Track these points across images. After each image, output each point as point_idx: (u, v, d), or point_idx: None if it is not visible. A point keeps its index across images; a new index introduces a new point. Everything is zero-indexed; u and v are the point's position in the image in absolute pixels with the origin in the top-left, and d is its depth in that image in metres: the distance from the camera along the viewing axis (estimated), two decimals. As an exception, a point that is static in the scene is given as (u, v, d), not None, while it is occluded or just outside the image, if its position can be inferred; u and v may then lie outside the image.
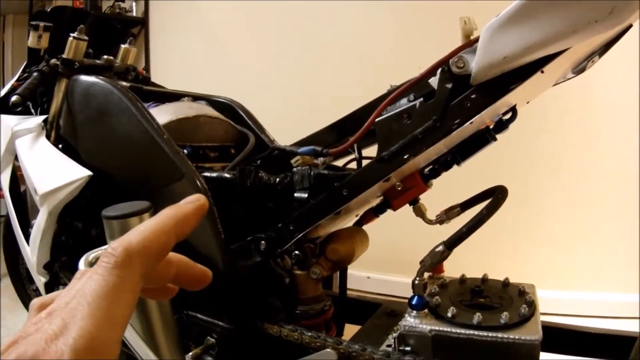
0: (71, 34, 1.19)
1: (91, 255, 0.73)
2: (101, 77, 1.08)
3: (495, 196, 0.86)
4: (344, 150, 0.87)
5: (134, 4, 3.24)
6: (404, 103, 0.83)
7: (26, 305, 1.78)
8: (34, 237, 1.12)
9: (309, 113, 2.05)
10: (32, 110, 1.27)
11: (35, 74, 1.18)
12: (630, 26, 0.74)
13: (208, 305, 0.95)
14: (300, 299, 0.97)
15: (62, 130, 1.13)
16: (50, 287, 1.19)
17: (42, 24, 1.21)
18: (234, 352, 0.93)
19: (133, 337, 0.75)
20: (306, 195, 0.90)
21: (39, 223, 1.07)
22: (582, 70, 0.84)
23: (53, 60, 1.19)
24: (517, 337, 0.78)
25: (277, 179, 0.94)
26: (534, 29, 0.65)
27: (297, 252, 0.95)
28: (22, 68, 1.41)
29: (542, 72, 0.71)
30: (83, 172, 1.02)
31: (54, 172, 1.05)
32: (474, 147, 0.89)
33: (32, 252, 1.13)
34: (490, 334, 0.79)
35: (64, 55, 1.18)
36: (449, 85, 0.77)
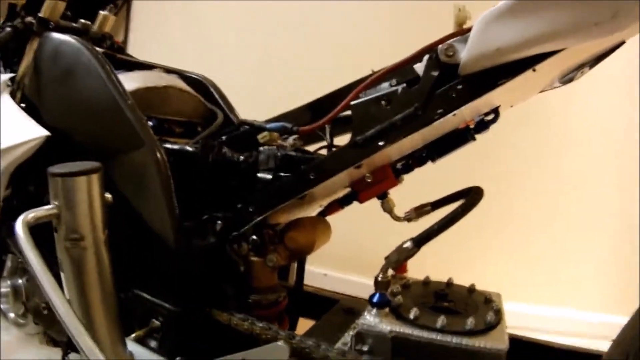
0: None
1: (30, 215, 0.66)
2: (73, 37, 0.99)
3: (471, 195, 0.79)
4: (314, 130, 0.79)
5: None
6: (384, 87, 0.75)
7: None
8: (-18, 199, 1.02)
9: (289, 97, 1.98)
10: (1, 69, 1.17)
11: (8, 29, 1.08)
12: (623, 42, 0.70)
13: (156, 285, 0.85)
14: (254, 287, 0.88)
15: (27, 89, 1.03)
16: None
17: None
18: (179, 337, 0.84)
19: (67, 315, 0.66)
20: (270, 176, 0.82)
21: None
22: (570, 80, 0.79)
23: (28, 18, 1.09)
24: (482, 344, 0.72)
25: (242, 157, 0.86)
26: (533, 24, 0.61)
27: (254, 237, 0.86)
28: None
29: (534, 70, 0.66)
30: (41, 132, 0.92)
31: (10, 130, 0.95)
32: (452, 145, 0.83)
33: (-19, 215, 1.03)
34: (454, 339, 0.73)
35: (40, 14, 1.08)
36: (435, 73, 0.70)
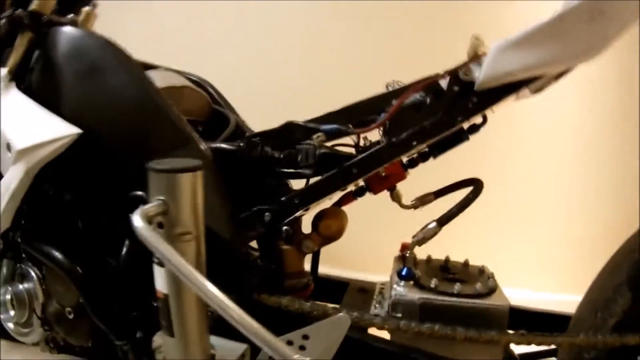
0: None
1: (147, 209, 0.72)
2: (95, 32, 1.03)
3: (477, 186, 1.02)
4: (369, 130, 0.96)
5: None
6: (414, 98, 0.96)
7: None
8: (-5, 199, 1.00)
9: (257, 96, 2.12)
10: None
11: (1, 20, 1.07)
12: None
13: (210, 275, 0.95)
14: (286, 272, 1.04)
15: (37, 86, 1.04)
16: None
17: None
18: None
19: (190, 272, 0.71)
20: (311, 171, 0.98)
21: (9, 182, 0.96)
22: (540, 90, 1.04)
23: (19, 11, 1.09)
24: (492, 303, 0.96)
25: (282, 154, 1.00)
26: (534, 53, 0.85)
27: (286, 227, 1.01)
28: None
29: (527, 88, 0.91)
30: (72, 129, 0.95)
31: (35, 127, 0.96)
32: (450, 144, 1.04)
33: (-9, 214, 1.01)
34: (469, 301, 0.95)
35: (31, 7, 1.09)
36: (456, 88, 0.93)
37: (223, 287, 0.92)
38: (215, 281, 0.93)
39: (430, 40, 2.13)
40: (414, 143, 0.93)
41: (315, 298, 1.15)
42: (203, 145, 0.97)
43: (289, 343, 0.88)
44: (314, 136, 0.96)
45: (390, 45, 2.22)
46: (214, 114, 1.23)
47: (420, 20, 2.22)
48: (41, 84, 1.05)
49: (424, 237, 0.99)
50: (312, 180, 1.00)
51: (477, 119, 1.02)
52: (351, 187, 1.09)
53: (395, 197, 1.08)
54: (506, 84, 0.89)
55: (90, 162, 1.00)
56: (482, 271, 1.07)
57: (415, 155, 1.07)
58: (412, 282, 0.98)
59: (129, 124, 1.00)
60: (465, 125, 1.03)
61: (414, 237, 1.00)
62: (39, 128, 0.96)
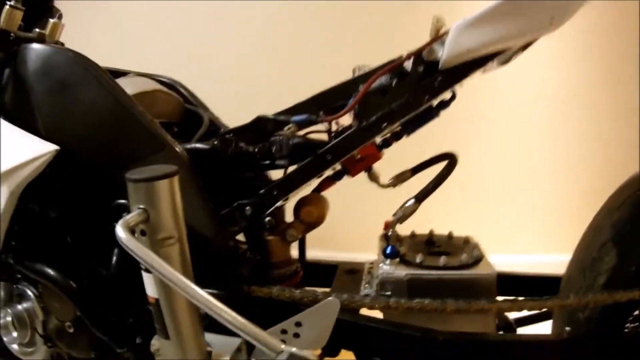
0: (8, 2, 1.13)
1: (128, 219, 0.77)
2: (61, 47, 1.07)
3: (451, 160, 1.09)
4: (339, 118, 1.02)
5: None
6: (380, 82, 1.02)
7: None
8: (-18, 224, 1.05)
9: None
10: None
11: None
12: None
13: (197, 273, 1.01)
14: (273, 262, 1.11)
15: (9, 106, 1.08)
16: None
17: None
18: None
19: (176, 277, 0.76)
20: (286, 162, 1.05)
21: None
22: (507, 62, 1.09)
23: None
24: (478, 272, 1.03)
25: (257, 148, 1.06)
26: (492, 30, 0.92)
27: (269, 218, 1.08)
28: None
29: (492, 61, 0.98)
30: (49, 147, 1.00)
31: (12, 148, 1.01)
32: (421, 122, 1.12)
33: (-19, 241, 1.06)
34: (456, 273, 1.02)
35: None
36: (421, 69, 1.00)
37: (213, 284, 1.00)
38: (205, 279, 0.99)
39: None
40: (384, 125, 1.00)
41: (305, 284, 1.23)
42: (179, 148, 1.03)
43: (283, 332, 0.95)
44: (286, 128, 1.01)
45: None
46: (188, 113, 1.29)
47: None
48: (13, 103, 1.10)
49: (403, 215, 1.06)
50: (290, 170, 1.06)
51: (446, 95, 1.09)
52: (329, 172, 1.15)
53: (373, 178, 1.16)
54: (470, 60, 0.96)
55: (70, 176, 1.05)
56: (467, 242, 1.14)
57: (388, 135, 1.13)
58: (397, 260, 1.04)
59: (104, 135, 1.06)
60: (435, 102, 1.09)
61: (394, 215, 1.06)
62: (16, 149, 1.01)
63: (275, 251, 1.11)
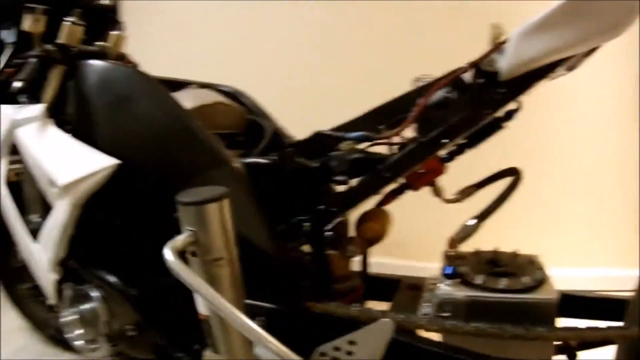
0: (66, 19, 1.20)
1: (177, 243, 0.80)
2: (118, 63, 1.12)
3: (515, 177, 1.05)
4: (395, 135, 1.01)
5: None
6: (439, 95, 1.00)
7: (17, 305, 1.76)
8: (48, 232, 1.13)
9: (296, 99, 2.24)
10: (24, 98, 1.26)
11: (33, 60, 1.18)
12: None
13: (255, 288, 1.03)
14: (334, 277, 1.12)
15: (72, 119, 1.15)
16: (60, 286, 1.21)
17: (40, 6, 1.21)
18: (282, 333, 1.02)
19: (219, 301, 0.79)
20: (346, 177, 1.05)
21: (58, 217, 1.09)
22: (573, 68, 1.04)
23: (48, 46, 1.19)
24: (539, 297, 0.99)
25: (316, 163, 1.08)
26: (555, 37, 0.87)
27: (330, 232, 1.09)
28: (9, 53, 1.37)
29: (554, 72, 0.94)
30: (109, 161, 1.06)
31: (75, 162, 1.07)
32: (485, 134, 1.09)
33: (46, 247, 1.14)
34: (516, 296, 0.99)
35: (59, 41, 1.19)
36: (481, 81, 0.97)
37: (272, 298, 1.02)
38: (264, 293, 1.01)
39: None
40: (443, 141, 0.99)
41: (367, 298, 1.25)
42: (236, 164, 1.05)
43: (336, 349, 0.96)
44: (342, 144, 1.02)
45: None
46: (251, 123, 1.31)
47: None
48: (76, 117, 1.17)
49: (464, 235, 1.03)
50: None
51: (511, 105, 1.04)
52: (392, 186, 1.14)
53: (437, 192, 1.14)
54: (531, 70, 0.92)
55: (133, 187, 1.10)
56: (531, 262, 1.10)
57: (453, 148, 1.10)
58: (458, 280, 1.02)
59: (162, 150, 1.11)
60: (500, 114, 1.06)
61: (455, 234, 1.03)
62: (78, 163, 1.08)
63: (336, 266, 1.12)
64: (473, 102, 0.96)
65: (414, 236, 1.90)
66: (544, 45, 0.88)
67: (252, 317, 1.02)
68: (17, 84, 1.13)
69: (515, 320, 0.94)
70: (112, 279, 1.12)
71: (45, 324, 1.70)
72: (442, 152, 1.12)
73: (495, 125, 1.07)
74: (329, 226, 1.07)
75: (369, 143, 1.10)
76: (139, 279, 1.13)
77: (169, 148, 1.10)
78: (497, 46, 0.94)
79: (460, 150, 1.12)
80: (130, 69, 1.10)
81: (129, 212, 1.12)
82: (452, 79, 0.99)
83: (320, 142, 1.07)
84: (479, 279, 1.02)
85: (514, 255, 1.13)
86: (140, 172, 1.10)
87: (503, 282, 1.00)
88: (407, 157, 1.01)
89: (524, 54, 0.90)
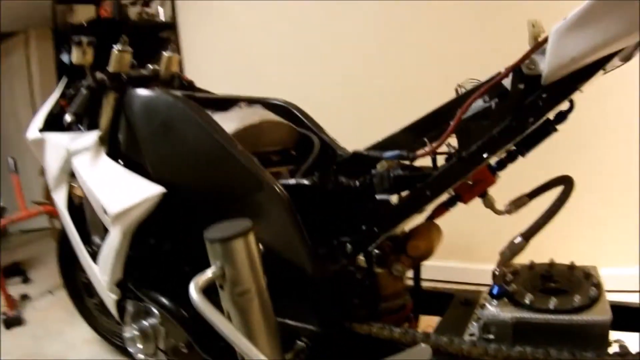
0: (114, 46, 1.25)
1: (200, 280, 0.83)
2: (158, 89, 1.16)
3: (565, 188, 0.98)
4: (429, 154, 0.97)
5: (159, 8, 3.37)
6: (479, 104, 0.95)
7: (87, 318, 1.93)
8: (105, 256, 1.22)
9: (347, 110, 2.27)
10: (80, 126, 1.34)
11: (84, 90, 1.25)
12: None
13: (296, 310, 1.05)
14: (382, 295, 1.11)
15: (123, 147, 1.21)
16: (120, 303, 1.29)
17: (85, 39, 1.28)
18: (324, 354, 1.03)
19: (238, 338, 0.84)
20: (388, 196, 1.03)
21: (112, 243, 1.17)
22: (629, 58, 0.93)
23: (99, 75, 1.25)
24: (589, 318, 0.91)
25: (357, 182, 1.06)
26: (598, 31, 0.76)
27: (377, 251, 1.08)
28: (62, 84, 1.47)
29: (604, 70, 0.85)
30: (156, 190, 1.11)
31: (124, 191, 1.14)
32: (537, 139, 1.01)
33: (103, 270, 1.22)
34: (565, 317, 0.92)
35: (110, 69, 1.25)
36: (522, 86, 0.90)
37: (314, 320, 1.02)
38: (305, 316, 1.02)
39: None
40: (485, 155, 0.93)
41: (421, 312, 1.23)
42: (277, 187, 1.06)
43: (375, 373, 0.95)
44: (378, 165, 1.00)
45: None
46: (303, 137, 1.33)
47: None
48: (125, 145, 1.23)
49: (512, 254, 0.97)
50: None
51: (563, 106, 0.96)
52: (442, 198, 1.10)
53: (488, 204, 1.08)
54: (576, 70, 0.82)
55: (180, 213, 1.14)
56: (587, 276, 1.02)
57: (503, 156, 1.05)
58: (505, 299, 0.97)
59: (206, 176, 1.14)
60: (551, 116, 0.98)
61: (500, 253, 0.98)
62: (127, 192, 1.14)
63: (383, 284, 1.10)
64: (514, 111, 0.89)
65: (479, 238, 1.84)
66: (587, 42, 0.78)
67: (293, 338, 1.05)
68: (68, 118, 1.21)
69: (565, 342, 0.88)
70: (164, 300, 1.18)
71: (113, 334, 1.83)
72: (492, 161, 1.07)
73: (548, 129, 1.00)
74: (374, 245, 1.04)
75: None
76: (188, 302, 1.17)
77: (212, 174, 1.13)
78: (537, 46, 0.87)
79: (511, 157, 1.05)
80: (172, 97, 1.14)
81: (178, 236, 1.17)
82: (491, 87, 0.92)
83: (360, 162, 1.05)
84: (527, 298, 0.97)
85: (570, 268, 1.06)
86: (188, 197, 1.15)
87: (552, 302, 0.94)
88: (448, 175, 0.96)
89: (566, 53, 0.80)
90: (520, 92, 0.89)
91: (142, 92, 1.21)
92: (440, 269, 1.92)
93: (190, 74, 3.08)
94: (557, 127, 1.01)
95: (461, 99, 1.00)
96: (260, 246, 0.92)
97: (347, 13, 2.42)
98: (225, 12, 2.93)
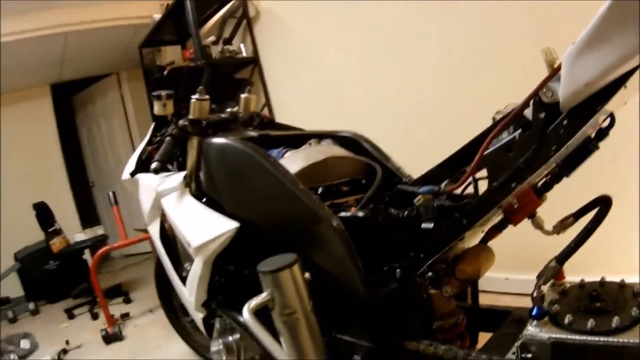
0: (193, 96, 1.44)
1: (252, 303, 0.99)
2: (231, 138, 1.34)
3: (599, 209, 1.01)
4: (456, 189, 1.06)
5: (242, 45, 3.62)
6: (504, 136, 1.01)
7: (182, 334, 2.17)
8: (191, 281, 1.43)
9: (420, 139, 2.42)
10: (169, 167, 1.55)
11: (168, 139, 1.44)
12: None
13: (353, 328, 1.19)
14: (436, 315, 1.20)
15: (204, 186, 1.41)
16: (207, 321, 1.49)
17: (164, 93, 1.47)
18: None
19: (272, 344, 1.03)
20: (432, 225, 1.12)
21: (195, 271, 1.38)
22: None
23: (181, 122, 1.44)
24: (627, 340, 0.91)
25: (405, 213, 1.18)
26: (608, 52, 0.77)
27: (430, 273, 1.17)
28: (151, 130, 1.70)
29: (625, 87, 0.84)
30: (231, 225, 1.30)
31: (203, 226, 1.33)
32: (580, 158, 1.01)
33: (190, 293, 1.43)
34: (602, 339, 0.93)
35: (190, 116, 1.43)
36: (542, 115, 0.93)
37: (360, 336, 1.14)
38: (360, 333, 1.14)
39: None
40: (513, 185, 0.98)
41: (476, 329, 1.31)
42: (335, 221, 1.18)
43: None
44: (415, 200, 1.12)
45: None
46: (369, 167, 1.45)
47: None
48: (206, 185, 1.41)
49: (548, 277, 1.03)
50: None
51: (603, 121, 0.96)
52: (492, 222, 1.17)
53: (537, 225, 1.13)
54: (594, 93, 0.84)
55: (253, 244, 1.31)
56: (636, 294, 1.02)
57: (547, 178, 1.08)
58: (546, 319, 1.02)
59: (273, 213, 1.31)
60: (592, 133, 0.98)
61: (538, 276, 1.04)
62: (207, 227, 1.32)
63: (437, 304, 1.19)
64: (537, 141, 0.93)
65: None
66: (598, 65, 0.78)
67: (351, 353, 1.18)
68: (154, 165, 1.40)
69: (603, 363, 0.91)
70: (241, 318, 1.35)
71: (205, 349, 2.05)
72: (539, 182, 1.08)
73: (589, 147, 0.98)
74: (423, 269, 1.14)
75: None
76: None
77: (279, 211, 1.29)
78: (552, 74, 0.89)
79: (556, 178, 1.06)
80: (242, 146, 1.31)
81: (253, 264, 1.35)
82: (513, 118, 0.97)
83: (404, 196, 1.16)
84: (567, 319, 1.00)
85: (620, 287, 1.07)
86: (259, 231, 1.31)
87: (590, 323, 0.95)
88: (481, 204, 1.04)
89: (579, 79, 0.82)
90: (541, 121, 0.93)
91: (216, 141, 1.40)
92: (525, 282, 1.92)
93: (274, 103, 3.33)
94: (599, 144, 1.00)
95: (489, 130, 1.06)
96: (307, 274, 1.08)
97: (419, 51, 2.52)
98: (303, 46, 3.11)
